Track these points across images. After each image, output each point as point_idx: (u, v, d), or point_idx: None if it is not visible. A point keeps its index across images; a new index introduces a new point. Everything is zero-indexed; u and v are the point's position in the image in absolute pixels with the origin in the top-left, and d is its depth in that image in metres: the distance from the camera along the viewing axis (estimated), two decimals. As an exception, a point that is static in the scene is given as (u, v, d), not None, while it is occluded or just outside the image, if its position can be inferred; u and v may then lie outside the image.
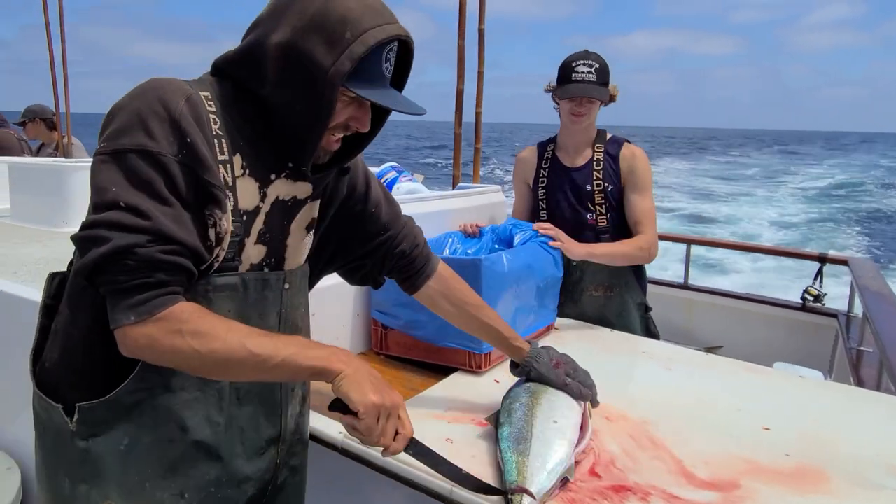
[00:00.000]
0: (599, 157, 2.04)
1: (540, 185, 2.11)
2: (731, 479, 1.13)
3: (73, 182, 2.67)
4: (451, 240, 1.95)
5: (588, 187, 2.03)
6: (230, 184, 0.91)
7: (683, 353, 1.82)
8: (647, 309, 2.16)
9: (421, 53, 1.00)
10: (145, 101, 0.85)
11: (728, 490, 1.09)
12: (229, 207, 0.91)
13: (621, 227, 2.04)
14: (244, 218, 0.94)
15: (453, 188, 2.67)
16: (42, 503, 1.00)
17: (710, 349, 1.86)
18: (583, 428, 1.20)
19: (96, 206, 0.83)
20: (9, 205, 2.85)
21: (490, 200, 2.31)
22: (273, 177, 0.97)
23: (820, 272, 3.32)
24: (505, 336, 1.31)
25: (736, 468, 1.16)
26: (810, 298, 3.22)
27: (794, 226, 16.02)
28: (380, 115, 1.00)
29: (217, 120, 0.90)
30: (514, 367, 1.33)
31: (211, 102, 0.91)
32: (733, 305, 3.40)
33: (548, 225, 1.95)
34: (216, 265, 0.92)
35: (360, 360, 0.95)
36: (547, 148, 2.15)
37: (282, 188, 0.99)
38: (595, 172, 2.04)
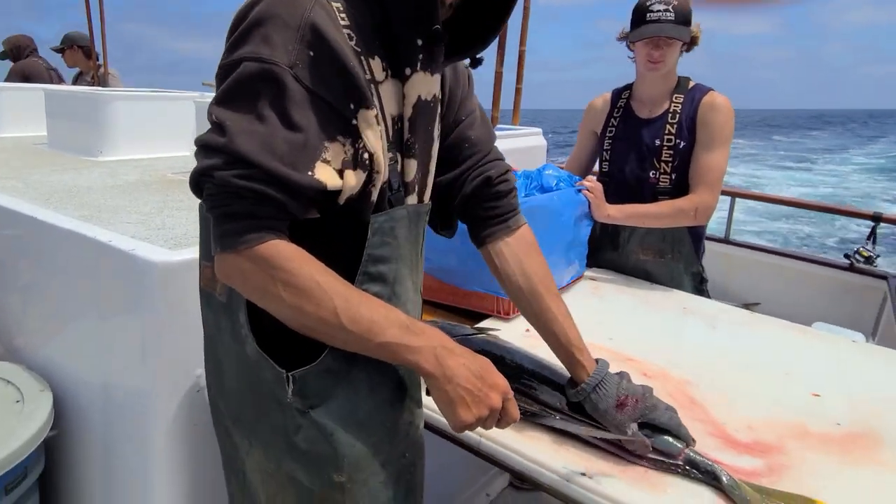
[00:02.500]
0: (677, 108, 1.85)
1: (608, 135, 1.96)
2: (777, 445, 1.07)
3: (109, 111, 2.64)
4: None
5: (657, 142, 1.85)
6: (376, 94, 0.79)
7: (727, 310, 1.73)
8: (702, 280, 1.97)
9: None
10: (269, 4, 0.74)
11: (772, 456, 1.03)
12: (380, 127, 0.79)
13: (681, 190, 1.85)
14: (397, 128, 0.84)
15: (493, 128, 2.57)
16: (263, 471, 0.90)
17: (747, 305, 1.78)
18: None
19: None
20: (45, 132, 2.85)
21: (530, 143, 2.21)
22: (409, 71, 0.83)
23: (873, 232, 3.16)
24: (570, 340, 1.04)
25: (782, 434, 1.10)
26: (861, 259, 3.07)
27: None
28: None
29: (346, 18, 0.77)
30: (572, 386, 1.05)
31: (339, 3, 0.78)
32: (775, 262, 3.27)
33: (591, 183, 1.83)
34: (373, 199, 0.81)
35: (455, 356, 0.79)
36: (622, 96, 1.98)
37: (422, 85, 0.85)
38: (668, 126, 1.85)
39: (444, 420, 0.82)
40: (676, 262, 1.93)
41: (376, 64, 0.80)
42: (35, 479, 1.33)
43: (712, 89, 1.85)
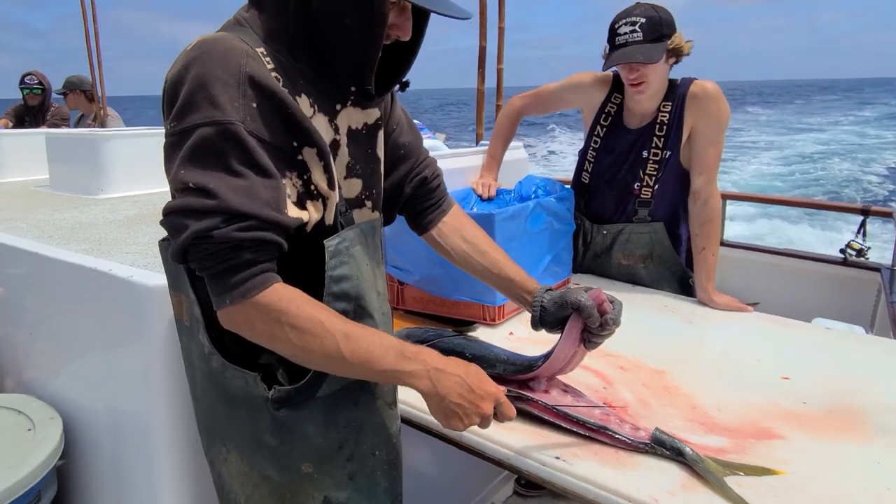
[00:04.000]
0: (664, 117, 1.81)
1: (592, 144, 1.95)
2: (744, 424, 1.12)
3: (107, 151, 2.75)
4: (469, 197, 1.95)
5: (644, 154, 1.84)
6: (312, 129, 0.87)
7: (703, 307, 1.79)
8: (688, 283, 1.95)
9: (442, 20, 0.95)
10: (204, 67, 0.79)
11: (739, 434, 1.09)
12: (322, 163, 0.87)
13: (663, 198, 1.88)
14: (336, 155, 0.92)
15: (476, 145, 2.65)
16: (241, 473, 0.99)
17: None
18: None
19: (174, 192, 0.81)
20: (47, 175, 2.95)
21: (511, 158, 2.27)
22: (339, 107, 0.93)
23: (863, 225, 3.20)
24: (520, 278, 1.17)
25: (750, 415, 1.16)
26: (853, 253, 3.11)
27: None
28: (419, 24, 0.94)
29: (271, 62, 0.84)
30: (534, 324, 1.15)
31: (262, 46, 0.85)
32: (770, 261, 3.31)
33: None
34: (329, 223, 0.91)
35: (448, 376, 0.88)
36: (613, 100, 1.91)
37: (351, 117, 0.95)
38: (656, 138, 1.83)
39: (429, 418, 0.93)
40: (659, 266, 1.96)
41: (303, 101, 0.87)
42: (49, 502, 1.39)
43: (695, 78, 1.81)
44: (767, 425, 1.12)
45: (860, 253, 3.10)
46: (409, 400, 1.14)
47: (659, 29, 1.69)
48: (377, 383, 0.99)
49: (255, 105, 0.80)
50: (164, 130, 0.83)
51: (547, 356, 1.10)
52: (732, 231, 3.37)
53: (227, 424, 0.97)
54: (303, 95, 0.87)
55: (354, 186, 0.97)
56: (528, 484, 2.30)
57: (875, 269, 2.96)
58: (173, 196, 0.81)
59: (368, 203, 1.00)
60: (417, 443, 1.20)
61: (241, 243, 0.79)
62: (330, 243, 0.90)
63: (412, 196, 1.17)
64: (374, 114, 0.99)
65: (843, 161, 18.11)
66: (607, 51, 1.75)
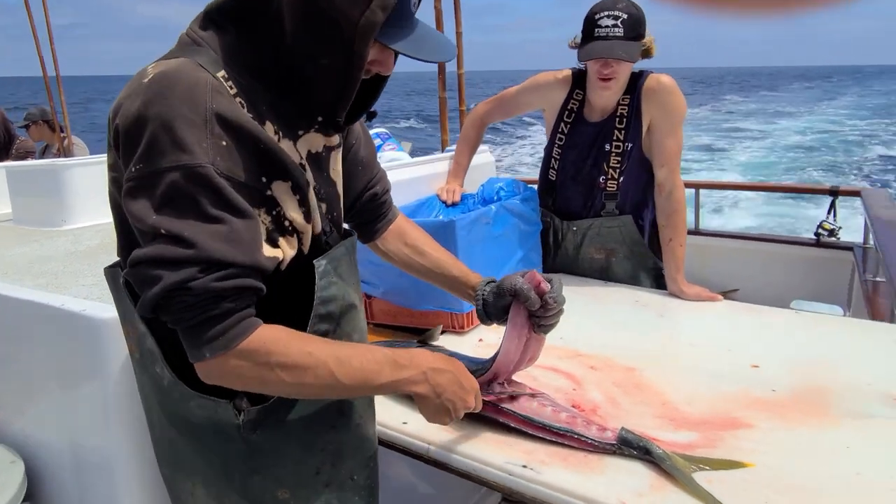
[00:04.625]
0: (624, 111, 1.82)
1: (557, 142, 1.95)
2: (714, 417, 1.11)
3: (70, 180, 2.69)
4: (434, 204, 1.93)
5: (607, 146, 1.85)
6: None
7: (675, 299, 1.78)
8: (659, 273, 1.95)
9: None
10: (167, 105, 0.73)
11: (709, 427, 1.07)
12: (297, 196, 0.84)
13: (628, 191, 1.88)
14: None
15: (442, 152, 2.64)
16: (207, 500, 0.94)
17: (725, 293, 1.82)
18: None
19: (142, 238, 0.75)
20: (10, 209, 2.89)
21: (477, 162, 2.26)
22: (301, 132, 0.88)
23: (833, 206, 3.24)
24: (463, 275, 1.18)
25: (720, 406, 1.15)
26: (825, 233, 3.15)
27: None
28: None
29: (234, 86, 0.79)
30: (480, 317, 1.15)
31: (222, 69, 0.79)
32: (747, 247, 3.33)
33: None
34: (306, 252, 0.88)
35: (442, 373, 0.91)
36: (574, 96, 1.90)
37: (312, 141, 0.90)
38: (617, 131, 1.84)
39: (398, 435, 1.00)
40: (629, 259, 1.96)
41: (268, 128, 0.82)
42: (14, 547, 1.35)
43: (651, 72, 1.82)
44: (737, 415, 1.11)
45: (832, 233, 3.14)
46: (382, 420, 1.12)
47: (638, 27, 1.69)
48: (355, 405, 0.97)
49: (224, 144, 0.75)
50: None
51: (497, 354, 1.08)
52: (756, 222, 3.37)
53: (193, 458, 0.93)
54: (267, 123, 0.82)
55: (320, 210, 0.94)
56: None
57: (848, 248, 3.00)
58: (141, 245, 0.75)
59: (331, 226, 0.98)
60: (396, 461, 1.17)
61: (222, 293, 0.74)
62: (319, 263, 0.88)
63: (362, 210, 1.16)
64: (334, 138, 0.96)
65: (825, 145, 18.50)
66: (580, 39, 1.74)
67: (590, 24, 1.70)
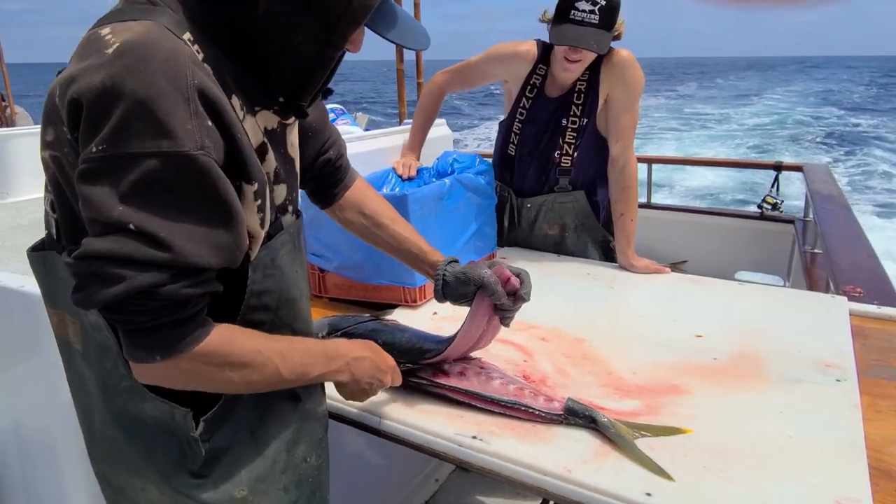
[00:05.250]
0: (582, 86, 1.81)
1: (518, 116, 1.93)
2: (657, 385, 1.15)
3: (12, 151, 2.58)
4: (389, 177, 1.91)
5: (564, 122, 1.85)
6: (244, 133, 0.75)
7: (625, 272, 1.83)
8: (609, 247, 1.99)
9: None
10: (143, 79, 0.64)
11: (652, 396, 1.11)
12: (258, 202, 0.78)
13: (581, 166, 1.89)
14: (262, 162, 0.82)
15: (400, 124, 2.61)
16: (161, 499, 0.88)
17: (674, 265, 1.87)
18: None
19: (98, 228, 0.65)
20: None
21: (434, 135, 2.25)
22: (257, 109, 0.81)
23: (776, 180, 3.36)
24: (420, 251, 1.16)
25: (663, 376, 1.19)
26: (768, 207, 3.27)
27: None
28: None
29: (200, 51, 0.71)
30: (437, 296, 1.14)
31: (188, 34, 0.71)
32: (695, 220, 3.44)
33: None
34: (254, 254, 0.82)
35: (362, 361, 0.95)
36: (538, 71, 1.87)
37: (268, 118, 0.83)
38: (574, 106, 1.83)
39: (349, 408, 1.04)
40: (582, 233, 1.99)
41: (234, 103, 0.75)
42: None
43: (611, 46, 1.78)
44: (678, 383, 1.16)
45: (775, 207, 3.26)
46: (334, 395, 1.12)
47: (613, 16, 1.66)
48: (308, 391, 0.96)
49: (209, 125, 0.67)
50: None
51: (453, 338, 1.10)
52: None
53: (140, 459, 0.86)
54: (233, 97, 0.75)
55: (280, 193, 0.88)
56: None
57: (789, 220, 3.12)
58: (97, 234, 0.65)
59: (290, 207, 0.93)
60: (350, 432, 1.18)
61: (188, 299, 0.69)
62: (257, 255, 0.83)
63: (317, 176, 1.13)
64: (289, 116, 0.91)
65: (780, 126, 19.42)
66: (552, 17, 1.71)
67: (566, 4, 1.65)
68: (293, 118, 0.88)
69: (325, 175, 1.13)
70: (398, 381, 1.03)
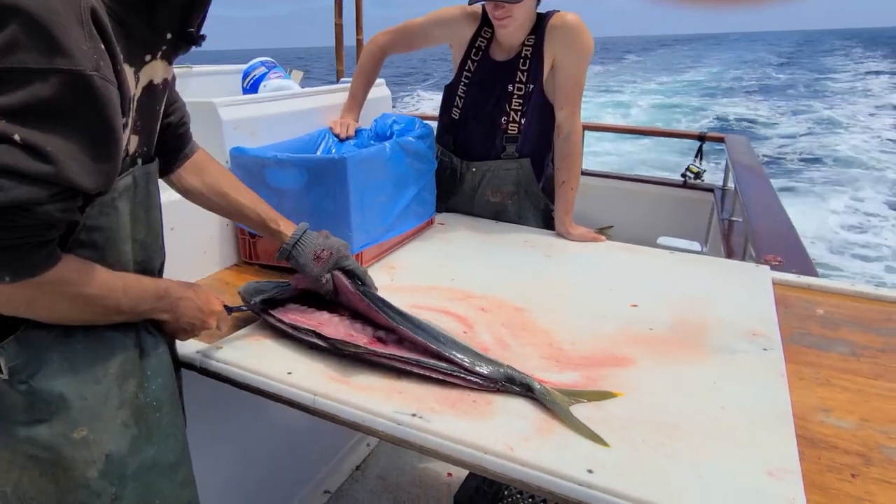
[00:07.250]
0: (528, 51, 1.78)
1: (463, 80, 1.88)
2: (595, 356, 1.16)
3: None
4: (326, 137, 1.81)
5: (510, 87, 1.82)
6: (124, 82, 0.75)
7: (562, 240, 1.83)
8: (549, 214, 1.98)
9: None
10: None
11: (590, 367, 1.12)
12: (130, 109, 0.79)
13: (528, 133, 1.86)
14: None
15: (336, 83, 2.49)
16: None
17: (601, 230, 1.88)
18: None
19: None
20: None
21: (375, 95, 2.15)
22: (148, 58, 0.81)
23: (700, 150, 3.48)
24: (263, 219, 1.19)
25: (600, 346, 1.19)
26: (691, 175, 3.38)
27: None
28: None
29: None
30: (281, 251, 1.20)
31: None
32: (622, 187, 3.51)
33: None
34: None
35: (184, 301, 0.98)
36: (483, 34, 1.85)
37: (157, 70, 0.84)
38: (520, 72, 1.80)
39: (281, 386, 1.03)
40: (524, 200, 1.98)
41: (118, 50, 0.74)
42: None
43: (557, 11, 1.78)
44: (616, 353, 1.16)
45: (697, 175, 3.39)
46: (267, 372, 1.07)
47: None
48: (129, 325, 0.93)
49: (102, 48, 0.67)
50: None
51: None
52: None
53: None
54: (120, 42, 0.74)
55: (132, 144, 0.87)
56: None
57: (709, 189, 3.24)
58: None
59: (140, 161, 0.91)
60: (275, 410, 1.13)
61: (56, 223, 0.71)
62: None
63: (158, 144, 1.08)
64: (172, 69, 0.91)
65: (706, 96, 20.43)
66: None
67: None
68: (173, 70, 0.91)
69: (163, 141, 1.07)
70: (224, 328, 1.08)
